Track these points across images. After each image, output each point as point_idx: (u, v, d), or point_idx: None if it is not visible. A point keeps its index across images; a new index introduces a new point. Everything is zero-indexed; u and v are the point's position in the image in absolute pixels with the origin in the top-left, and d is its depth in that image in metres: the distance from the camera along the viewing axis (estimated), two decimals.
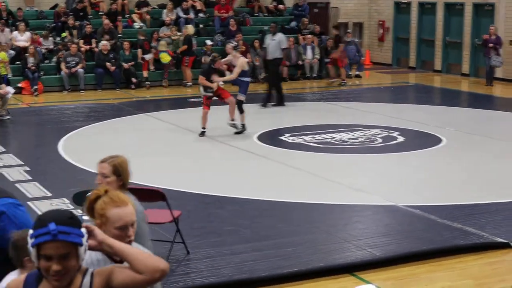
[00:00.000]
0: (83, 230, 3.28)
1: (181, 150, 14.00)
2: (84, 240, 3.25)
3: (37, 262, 3.22)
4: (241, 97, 14.87)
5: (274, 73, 18.94)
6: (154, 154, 13.60)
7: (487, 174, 12.05)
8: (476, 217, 9.60)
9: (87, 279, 3.32)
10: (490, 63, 22.33)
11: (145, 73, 22.21)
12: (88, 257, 3.58)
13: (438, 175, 11.99)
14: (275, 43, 18.71)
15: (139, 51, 22.51)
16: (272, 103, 18.54)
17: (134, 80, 21.82)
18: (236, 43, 16.05)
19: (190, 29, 22.87)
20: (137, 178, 11.20)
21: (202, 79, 14.56)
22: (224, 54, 15.98)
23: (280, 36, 19.13)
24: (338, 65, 23.54)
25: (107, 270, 3.36)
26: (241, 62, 14.86)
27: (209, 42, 22.92)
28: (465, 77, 24.84)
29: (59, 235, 3.16)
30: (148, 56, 22.41)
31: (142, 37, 22.75)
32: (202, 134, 14.70)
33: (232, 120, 14.82)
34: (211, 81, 14.44)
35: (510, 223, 9.30)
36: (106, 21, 22.73)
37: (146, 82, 22.08)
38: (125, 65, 21.78)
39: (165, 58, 22.39)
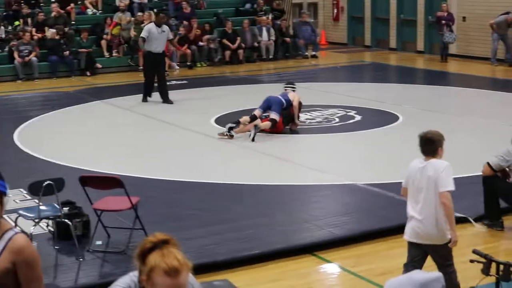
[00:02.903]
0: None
1: (138, 136, 13.90)
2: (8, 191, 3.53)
3: None
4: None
5: (158, 67, 16.87)
6: (111, 141, 13.49)
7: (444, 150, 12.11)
8: None
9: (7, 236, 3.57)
10: (443, 39, 22.51)
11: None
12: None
13: (395, 153, 12.05)
14: (165, 35, 16.76)
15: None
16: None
17: (99, 66, 21.78)
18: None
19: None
20: (94, 166, 11.21)
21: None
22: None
23: (167, 28, 17.19)
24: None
25: (22, 255, 3.59)
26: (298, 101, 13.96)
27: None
28: (420, 54, 25.00)
29: None
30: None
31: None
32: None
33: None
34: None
35: (467, 198, 9.36)
36: (56, 9, 22.43)
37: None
38: (83, 51, 21.59)
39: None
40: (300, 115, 14.15)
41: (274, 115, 13.33)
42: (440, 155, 6.40)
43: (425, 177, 6.30)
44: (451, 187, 6.26)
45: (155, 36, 16.43)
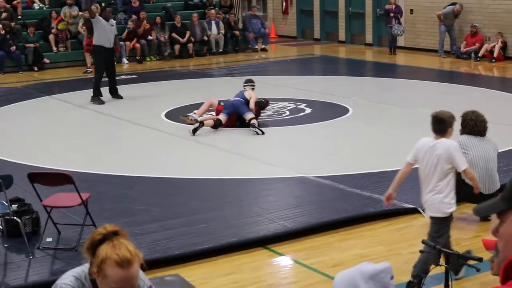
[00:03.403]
0: None
1: (87, 131, 13.78)
2: None
3: None
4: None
5: (109, 62, 16.32)
6: (60, 136, 13.36)
7: (393, 141, 12.26)
8: (384, 184, 9.70)
9: None
10: (392, 32, 22.71)
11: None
12: None
13: (346, 145, 12.14)
14: (114, 30, 16.41)
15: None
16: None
17: (47, 61, 21.52)
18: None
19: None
20: (43, 162, 11.09)
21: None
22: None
23: (114, 22, 16.83)
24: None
25: None
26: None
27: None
28: (369, 46, 25.19)
29: None
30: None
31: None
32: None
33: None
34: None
35: (416, 189, 9.44)
36: (2, 3, 22.06)
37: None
38: (29, 46, 21.30)
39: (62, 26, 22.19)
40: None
41: (249, 115, 13.31)
42: (449, 135, 6.79)
43: (434, 155, 6.68)
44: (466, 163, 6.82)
45: (106, 28, 16.03)
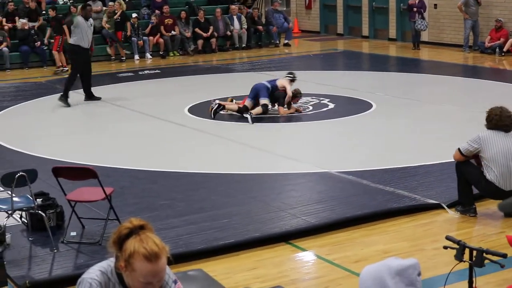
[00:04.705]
0: None
1: (110, 126, 13.84)
2: None
3: None
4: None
5: (86, 62, 15.86)
6: (84, 131, 13.44)
7: (416, 137, 12.21)
8: (408, 180, 9.74)
9: None
10: (415, 27, 22.60)
11: None
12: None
13: (369, 140, 12.10)
14: (92, 30, 15.87)
15: None
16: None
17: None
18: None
19: (123, 4, 22.59)
20: (67, 156, 11.15)
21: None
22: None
23: (93, 21, 16.35)
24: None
25: None
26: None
27: (134, 15, 22.70)
28: (392, 41, 25.09)
29: None
30: None
31: None
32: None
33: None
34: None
35: (440, 185, 9.45)
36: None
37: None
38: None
39: None
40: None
41: (264, 100, 13.83)
42: None
43: None
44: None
45: (85, 29, 15.39)
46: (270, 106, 14.00)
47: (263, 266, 7.31)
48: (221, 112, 13.91)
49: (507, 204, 8.35)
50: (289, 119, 13.86)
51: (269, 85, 13.99)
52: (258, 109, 13.77)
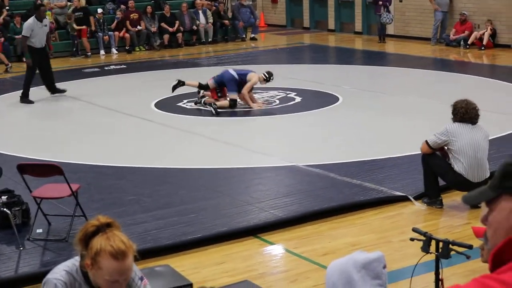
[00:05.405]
0: None
1: (76, 121, 13.74)
2: None
3: None
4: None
5: (41, 61, 15.49)
6: (49, 127, 13.32)
7: (383, 130, 12.27)
8: (375, 172, 9.79)
9: None
10: (381, 20, 22.71)
11: None
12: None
13: (336, 134, 12.14)
14: (46, 30, 15.51)
15: None
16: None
17: None
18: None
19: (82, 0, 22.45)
20: (32, 153, 11.04)
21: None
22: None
23: (48, 21, 16.01)
24: None
25: None
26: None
27: (100, 11, 22.55)
28: (358, 35, 25.18)
29: None
30: None
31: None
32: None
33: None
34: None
35: (406, 177, 9.50)
36: None
37: None
38: (18, 37, 21.13)
39: None
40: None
41: (232, 95, 13.90)
42: None
43: None
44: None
45: (36, 31, 15.12)
46: (238, 100, 13.99)
47: (231, 261, 7.31)
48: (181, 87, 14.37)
49: (471, 196, 8.40)
50: (256, 113, 13.84)
51: (237, 77, 13.93)
52: (225, 103, 13.76)
